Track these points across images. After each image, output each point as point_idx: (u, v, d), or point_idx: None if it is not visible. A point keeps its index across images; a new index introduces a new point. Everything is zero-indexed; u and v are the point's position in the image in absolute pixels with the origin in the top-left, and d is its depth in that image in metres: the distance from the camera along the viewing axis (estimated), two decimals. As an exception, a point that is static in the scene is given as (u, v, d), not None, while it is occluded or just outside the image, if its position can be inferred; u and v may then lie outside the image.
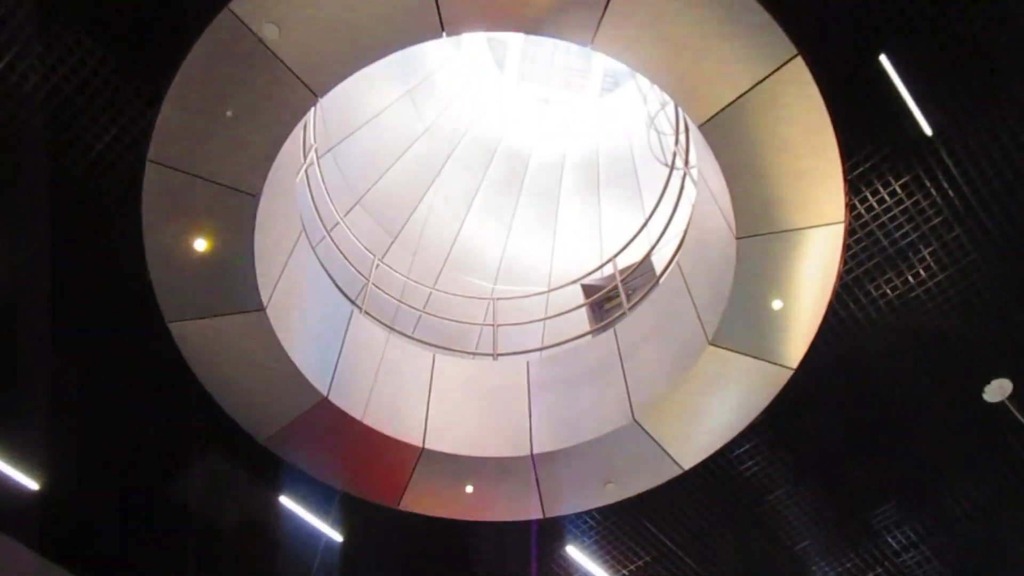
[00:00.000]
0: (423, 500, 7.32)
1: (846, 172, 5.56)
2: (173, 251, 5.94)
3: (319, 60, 5.47)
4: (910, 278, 6.04)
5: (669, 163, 8.79)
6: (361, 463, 7.22)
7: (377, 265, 9.01)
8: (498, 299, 9.64)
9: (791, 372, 6.43)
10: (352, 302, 7.88)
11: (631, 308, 7.84)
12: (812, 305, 6.16)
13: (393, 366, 7.66)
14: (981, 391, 6.46)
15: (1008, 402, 6.43)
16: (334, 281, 7.66)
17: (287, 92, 5.53)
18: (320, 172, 8.41)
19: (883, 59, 5.16)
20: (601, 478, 7.16)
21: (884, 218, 5.79)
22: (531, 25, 5.55)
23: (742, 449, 6.93)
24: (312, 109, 6.37)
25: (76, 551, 7.53)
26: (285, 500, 7.28)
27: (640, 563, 7.78)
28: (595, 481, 7.19)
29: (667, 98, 8.33)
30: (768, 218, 5.83)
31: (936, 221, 5.78)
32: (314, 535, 7.44)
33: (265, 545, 7.64)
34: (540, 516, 7.37)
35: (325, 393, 6.75)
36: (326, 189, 8.59)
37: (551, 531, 7.52)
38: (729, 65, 5.34)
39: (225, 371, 6.54)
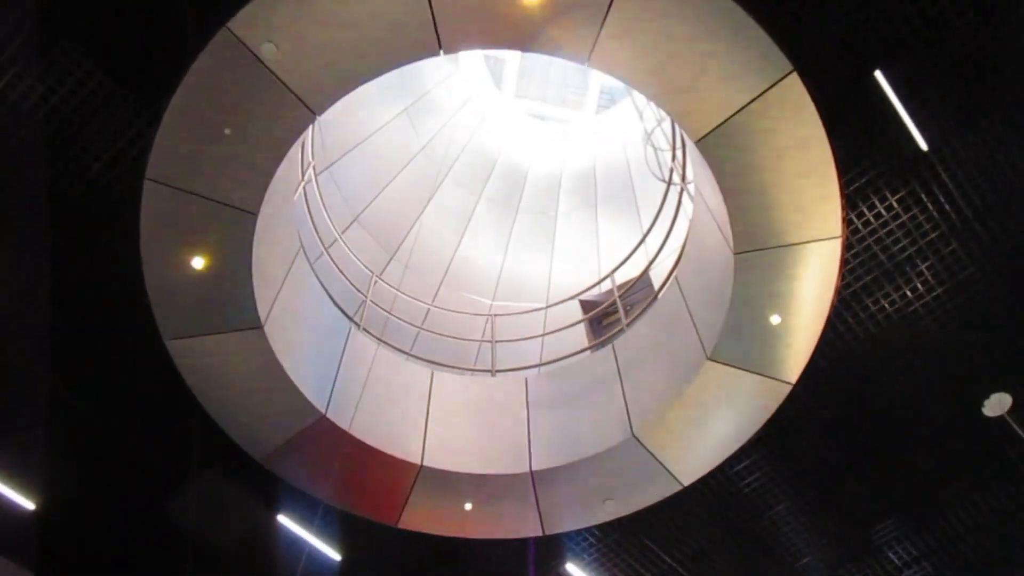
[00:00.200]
0: (422, 518, 7.29)
1: (843, 187, 5.58)
2: (171, 269, 5.93)
3: (317, 79, 5.49)
4: (908, 292, 6.05)
5: (666, 179, 8.81)
6: (359, 481, 7.18)
7: (375, 282, 9.01)
8: (496, 315, 9.63)
9: (790, 387, 6.42)
10: (350, 319, 7.87)
11: (629, 324, 7.84)
12: (810, 320, 6.16)
13: (391, 383, 7.64)
14: (981, 405, 6.45)
15: (1008, 416, 6.42)
16: (332, 298, 7.65)
17: (285, 110, 5.55)
18: (318, 190, 8.43)
19: (878, 75, 5.19)
20: (600, 495, 7.14)
21: (881, 233, 5.80)
22: (528, 42, 5.58)
23: (742, 465, 6.91)
24: (310, 127, 6.40)
25: (73, 571, 7.48)
26: (283, 519, 7.23)
27: (640, 580, 7.74)
28: (594, 498, 7.16)
29: (664, 114, 8.35)
30: (765, 233, 5.84)
31: (933, 235, 5.79)
32: (312, 554, 7.39)
33: (263, 564, 7.59)
34: (539, 533, 7.34)
35: (323, 411, 6.73)
36: (324, 206, 8.61)
37: (550, 548, 7.47)
38: (726, 81, 5.37)
39: (223, 389, 6.52)
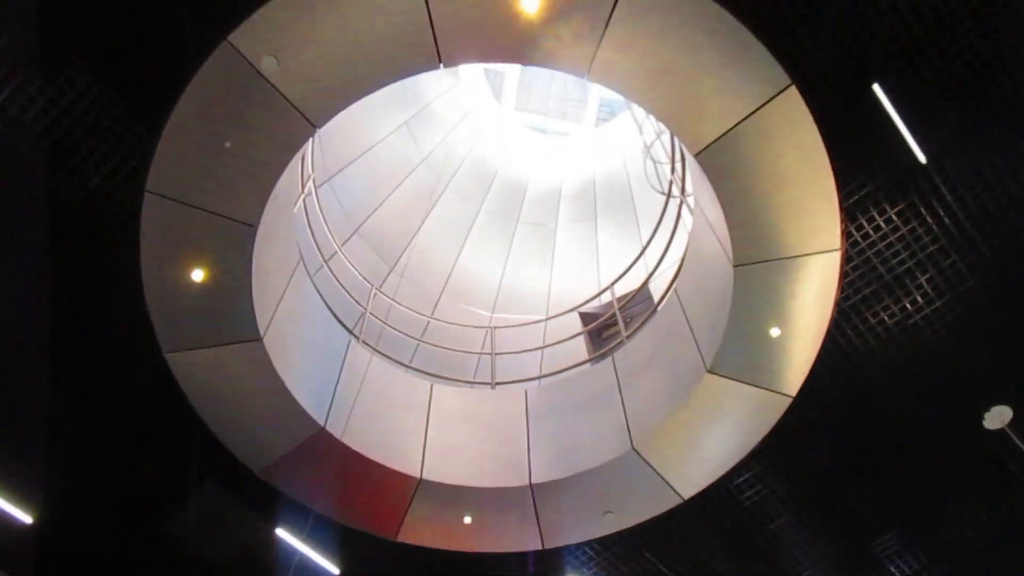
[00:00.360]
0: (421, 531, 7.25)
1: (842, 200, 5.59)
2: (171, 281, 5.93)
3: (317, 91, 5.51)
4: (908, 305, 6.04)
5: (665, 191, 8.83)
6: (358, 494, 7.16)
7: (375, 294, 9.01)
8: (496, 327, 9.63)
9: (790, 400, 6.41)
10: (350, 331, 7.87)
11: (629, 336, 7.83)
12: (810, 333, 6.15)
13: (391, 395, 7.63)
14: (981, 418, 6.43)
15: (1008, 429, 6.41)
16: (332, 311, 7.65)
17: (285, 123, 5.57)
18: (318, 202, 8.45)
19: (876, 88, 5.21)
20: (600, 508, 7.11)
21: (880, 245, 5.80)
22: (528, 56, 5.60)
23: (742, 478, 6.88)
24: (310, 140, 6.41)
25: (70, 585, 7.44)
26: (281, 532, 7.20)
27: (641, 594, 7.70)
28: (594, 511, 7.14)
29: (663, 127, 8.38)
30: (765, 246, 5.85)
31: (932, 248, 5.79)
32: (312, 568, 7.35)
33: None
34: (539, 547, 7.30)
35: (322, 423, 6.72)
36: (324, 219, 8.62)
37: (550, 562, 7.44)
38: (724, 95, 5.39)
39: (222, 401, 6.51)
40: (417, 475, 7.01)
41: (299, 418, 6.62)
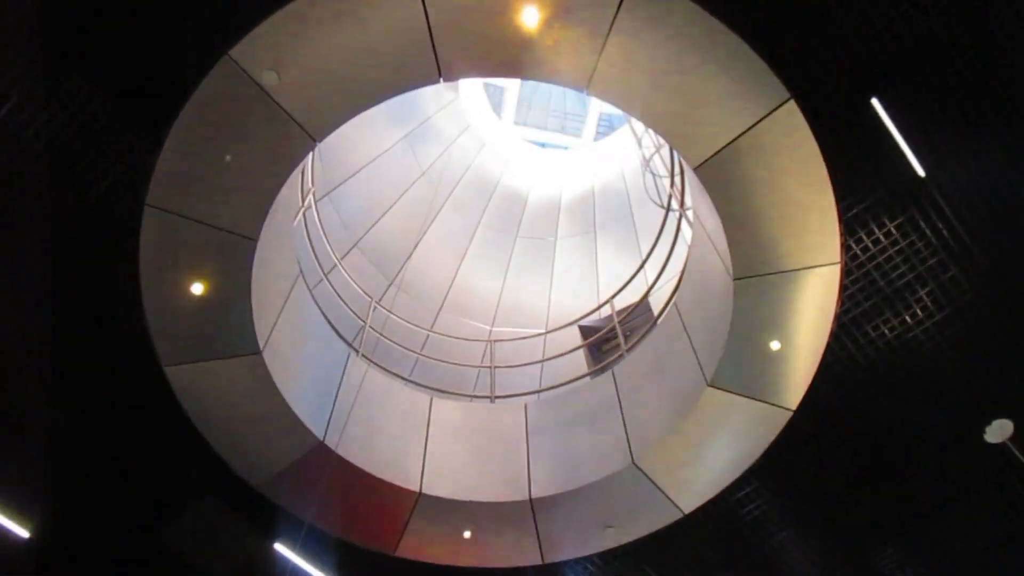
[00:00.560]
0: (420, 546, 7.22)
1: (841, 213, 5.60)
2: (170, 295, 5.93)
3: (318, 105, 5.53)
4: (907, 318, 6.04)
5: (665, 205, 8.84)
6: (357, 508, 7.13)
7: (374, 308, 9.01)
8: (495, 341, 9.62)
9: (791, 413, 6.40)
10: (349, 345, 7.86)
11: (629, 349, 7.83)
12: (810, 346, 6.15)
13: (390, 409, 7.61)
14: (982, 432, 6.41)
15: (1010, 443, 6.38)
16: (331, 324, 7.64)
17: (286, 137, 5.58)
18: (318, 215, 8.46)
19: (875, 102, 5.23)
20: (600, 522, 7.08)
21: (880, 259, 5.81)
22: (528, 70, 5.63)
23: (743, 492, 6.85)
24: (310, 153, 6.43)
25: (66, 601, 7.39)
26: (280, 547, 7.15)
27: (641, 610, 7.65)
28: (594, 526, 7.11)
29: (662, 141, 8.41)
30: (764, 259, 5.85)
31: (932, 261, 5.80)
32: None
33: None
34: (539, 561, 7.27)
35: (321, 437, 6.70)
36: (324, 232, 8.63)
37: (550, 577, 7.40)
38: (724, 109, 5.41)
39: (221, 415, 6.49)
40: (416, 489, 6.98)
41: (298, 432, 6.60)
